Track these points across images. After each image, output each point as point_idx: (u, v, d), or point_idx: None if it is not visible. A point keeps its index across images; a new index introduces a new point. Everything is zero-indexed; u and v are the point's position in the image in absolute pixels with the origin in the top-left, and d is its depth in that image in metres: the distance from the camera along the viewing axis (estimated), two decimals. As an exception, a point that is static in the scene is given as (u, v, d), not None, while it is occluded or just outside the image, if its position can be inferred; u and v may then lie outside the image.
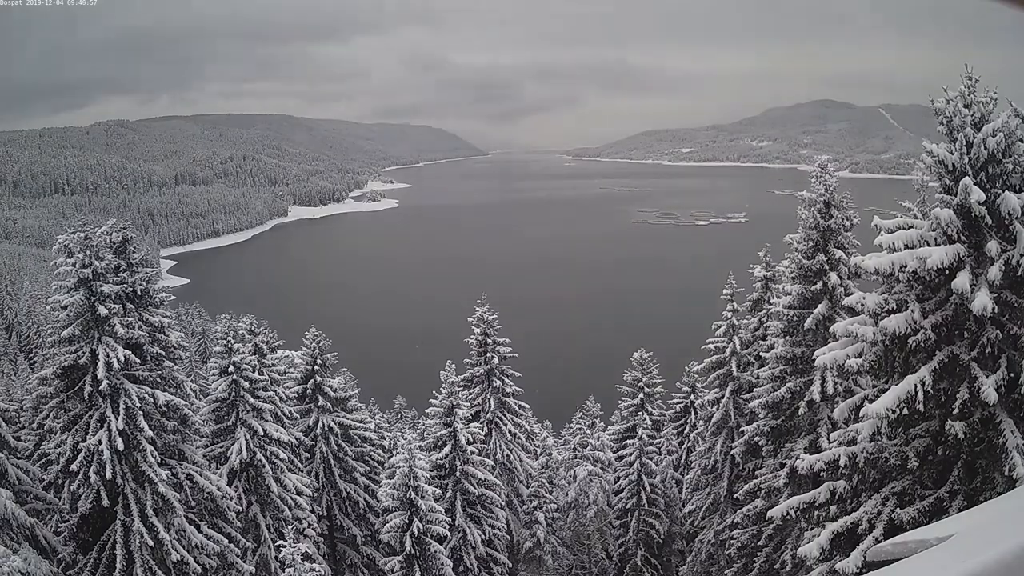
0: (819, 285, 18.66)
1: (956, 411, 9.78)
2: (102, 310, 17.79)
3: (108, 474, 17.56)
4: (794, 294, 19.14)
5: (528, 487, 31.87)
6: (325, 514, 28.82)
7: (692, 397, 34.19)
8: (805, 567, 14.91)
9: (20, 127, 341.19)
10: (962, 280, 9.42)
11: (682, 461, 33.98)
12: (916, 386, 9.72)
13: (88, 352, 18.05)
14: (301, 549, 17.53)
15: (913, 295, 10.33)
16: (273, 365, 27.33)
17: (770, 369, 20.20)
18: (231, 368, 23.27)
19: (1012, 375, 9.63)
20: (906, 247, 10.10)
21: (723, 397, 26.99)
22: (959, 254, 9.70)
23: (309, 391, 28.97)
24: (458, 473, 27.22)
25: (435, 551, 22.86)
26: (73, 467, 17.93)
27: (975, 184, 9.58)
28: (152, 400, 18.54)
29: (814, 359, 12.36)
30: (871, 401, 10.43)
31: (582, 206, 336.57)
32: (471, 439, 27.20)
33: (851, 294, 11.53)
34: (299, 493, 24.66)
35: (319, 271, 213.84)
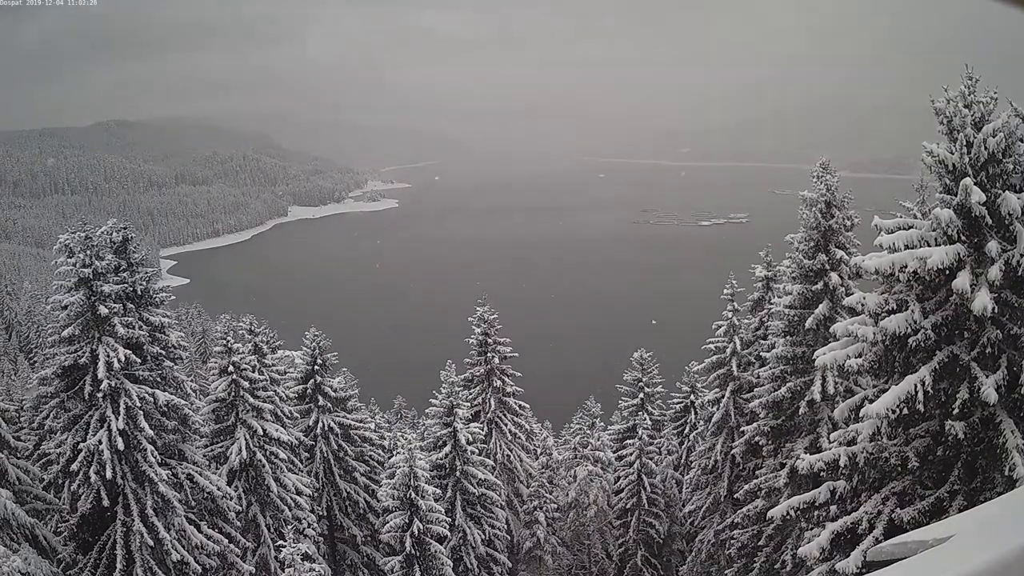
0: (820, 285, 18.67)
1: (956, 411, 9.78)
2: (102, 310, 17.80)
3: (108, 474, 17.57)
4: (795, 294, 19.15)
5: (528, 487, 31.86)
6: (325, 514, 28.81)
7: (692, 397, 34.15)
8: (805, 567, 14.92)
9: (20, 127, 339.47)
10: (962, 280, 9.42)
11: (682, 461, 33.95)
12: (916, 386, 9.72)
13: (88, 352, 18.06)
14: (301, 549, 17.53)
15: (913, 295, 10.33)
16: (273, 365, 27.32)
17: (771, 369, 20.21)
18: (231, 368, 23.27)
19: (1012, 375, 9.63)
20: (906, 247, 10.09)
21: (723, 397, 26.96)
22: (959, 254, 9.70)
23: (309, 391, 28.96)
24: (458, 473, 27.21)
25: (435, 551, 22.85)
26: (73, 467, 17.94)
27: (975, 184, 9.58)
28: (152, 400, 18.55)
29: (815, 359, 12.36)
30: (871, 401, 10.43)
31: (583, 205, 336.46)
32: (471, 439, 27.19)
33: (852, 294, 11.53)
34: (299, 493, 24.66)
35: (319, 271, 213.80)
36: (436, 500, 23.42)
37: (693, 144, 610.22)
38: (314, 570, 18.16)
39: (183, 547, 19.07)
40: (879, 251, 10.41)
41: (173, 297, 24.03)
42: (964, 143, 9.93)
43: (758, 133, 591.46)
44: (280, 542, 20.08)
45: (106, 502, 18.03)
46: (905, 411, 9.87)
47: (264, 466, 23.63)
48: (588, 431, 33.94)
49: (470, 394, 30.84)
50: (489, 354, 30.77)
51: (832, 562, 11.38)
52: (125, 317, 18.58)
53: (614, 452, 33.64)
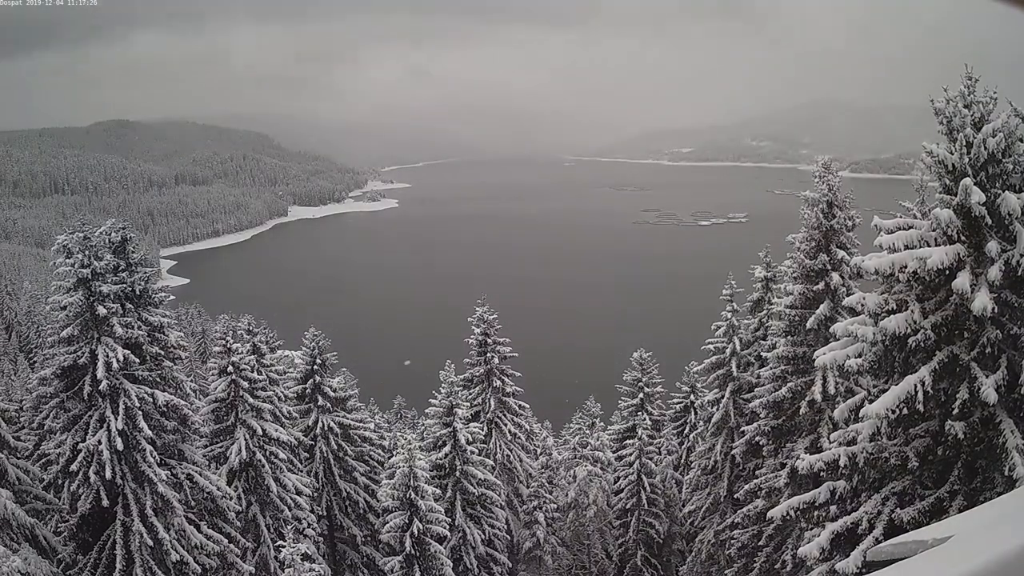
0: (821, 285, 18.65)
1: (956, 411, 9.77)
2: (101, 310, 17.79)
3: (108, 474, 17.57)
4: (796, 294, 19.14)
5: (528, 487, 31.85)
6: (325, 514, 28.81)
7: (692, 397, 34.19)
8: (805, 567, 14.91)
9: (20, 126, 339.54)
10: (962, 280, 9.41)
11: (682, 461, 33.96)
12: (916, 386, 9.70)
13: (88, 352, 18.06)
14: (301, 549, 17.53)
15: (913, 295, 10.32)
16: (272, 365, 27.32)
17: (771, 369, 20.19)
18: (230, 368, 23.27)
19: (1012, 375, 9.62)
20: (906, 247, 10.08)
21: (723, 397, 26.95)
22: (959, 254, 9.68)
23: (309, 391, 28.95)
24: (458, 473, 27.20)
25: (435, 551, 22.85)
26: (73, 467, 17.94)
27: (975, 184, 9.56)
28: (151, 400, 18.55)
29: (815, 359, 12.35)
30: (871, 401, 10.41)
31: (584, 205, 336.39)
32: (471, 439, 27.18)
33: (853, 294, 11.52)
34: (299, 493, 24.66)
35: (319, 271, 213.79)
36: (436, 500, 23.41)
37: (693, 144, 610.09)
38: (314, 570, 18.16)
39: (183, 547, 19.07)
40: (879, 251, 10.40)
41: (172, 297, 24.06)
42: (964, 143, 9.92)
43: (758, 133, 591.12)
44: (280, 542, 20.06)
45: (106, 502, 18.03)
46: (905, 411, 9.86)
47: (264, 466, 23.63)
48: (588, 431, 33.92)
49: (470, 394, 30.84)
50: (489, 354, 30.77)
51: (832, 562, 11.36)
52: (124, 317, 18.57)
53: (614, 452, 33.64)
